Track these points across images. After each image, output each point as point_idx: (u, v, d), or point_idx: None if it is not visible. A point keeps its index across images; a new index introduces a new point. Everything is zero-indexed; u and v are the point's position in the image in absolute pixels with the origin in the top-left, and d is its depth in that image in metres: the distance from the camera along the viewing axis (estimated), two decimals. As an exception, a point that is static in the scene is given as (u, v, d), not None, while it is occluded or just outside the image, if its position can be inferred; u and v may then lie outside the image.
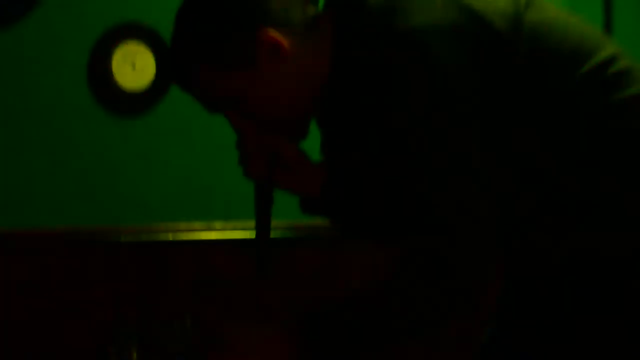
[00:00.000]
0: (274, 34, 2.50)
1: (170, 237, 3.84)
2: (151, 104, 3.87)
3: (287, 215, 2.88)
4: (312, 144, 2.71)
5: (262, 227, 2.77)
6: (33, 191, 3.73)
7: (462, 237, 2.42)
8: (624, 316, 2.49)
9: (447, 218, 2.43)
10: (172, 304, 3.55)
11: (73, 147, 3.80)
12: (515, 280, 2.66)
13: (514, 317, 2.70)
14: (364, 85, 2.50)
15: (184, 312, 3.25)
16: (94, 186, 3.81)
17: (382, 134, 2.50)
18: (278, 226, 2.89)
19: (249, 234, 2.90)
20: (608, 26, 3.91)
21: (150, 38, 3.85)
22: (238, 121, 2.63)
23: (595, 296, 2.50)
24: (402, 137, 2.45)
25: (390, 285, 2.49)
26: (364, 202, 2.72)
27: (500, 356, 2.72)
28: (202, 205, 3.88)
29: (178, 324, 3.20)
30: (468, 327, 2.75)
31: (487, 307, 2.64)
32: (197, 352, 3.08)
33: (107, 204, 3.82)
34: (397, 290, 2.49)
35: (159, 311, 3.39)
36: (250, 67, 2.51)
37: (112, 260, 3.76)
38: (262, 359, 2.58)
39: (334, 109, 2.62)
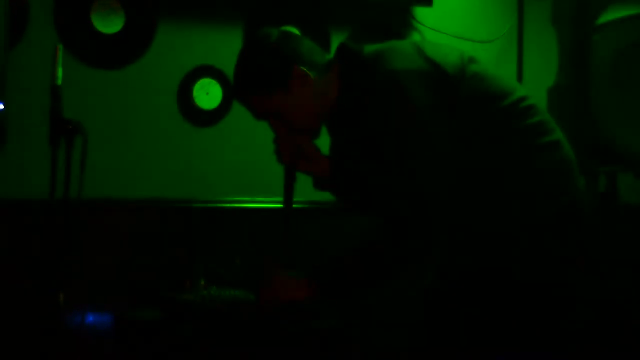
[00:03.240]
0: (303, 70, 2.61)
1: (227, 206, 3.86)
2: (218, 118, 3.89)
3: (305, 192, 2.94)
4: (323, 142, 2.80)
5: (288, 196, 2.84)
6: (141, 174, 3.76)
7: (421, 213, 2.48)
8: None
9: (412, 196, 2.48)
10: (227, 250, 3.55)
11: (168, 146, 3.82)
12: (452, 238, 2.65)
13: (450, 266, 2.71)
14: (358, 107, 2.58)
15: (236, 256, 3.27)
16: (180, 172, 3.82)
17: (369, 137, 2.58)
18: (299, 200, 2.92)
19: (279, 204, 2.91)
20: (520, 76, 3.99)
21: (218, 75, 3.88)
22: (277, 126, 2.71)
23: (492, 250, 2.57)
24: (382, 140, 2.53)
25: (371, 244, 2.55)
26: (356, 184, 2.75)
27: (440, 294, 2.71)
28: (249, 185, 3.89)
29: (231, 263, 3.24)
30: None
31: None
32: (243, 283, 3.12)
33: (188, 184, 3.84)
34: (374, 248, 2.55)
35: (219, 255, 3.39)
36: (286, 91, 2.61)
37: (187, 220, 3.77)
38: (290, 293, 2.67)
39: (339, 121, 2.70)
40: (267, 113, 2.68)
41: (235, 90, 2.75)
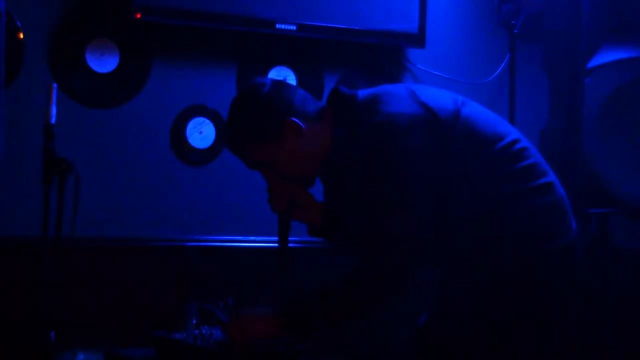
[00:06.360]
0: (295, 121, 2.60)
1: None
2: (212, 157, 3.89)
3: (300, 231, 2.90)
4: (316, 190, 2.78)
5: (283, 244, 2.82)
6: (134, 213, 3.75)
7: (395, 252, 2.49)
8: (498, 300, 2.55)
9: (387, 238, 2.48)
10: (220, 289, 3.54)
11: (161, 185, 3.82)
12: (441, 281, 2.69)
13: (443, 304, 2.70)
14: (352, 151, 2.58)
15: (228, 296, 3.26)
16: (173, 210, 3.82)
17: (360, 178, 2.56)
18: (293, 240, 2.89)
19: (273, 246, 2.91)
20: (511, 118, 4.00)
21: (212, 115, 3.88)
22: (269, 175, 2.70)
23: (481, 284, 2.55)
24: (371, 179, 2.52)
25: (342, 282, 2.55)
26: (349, 231, 2.73)
27: (430, 334, 2.72)
28: (242, 224, 3.89)
29: (224, 303, 3.23)
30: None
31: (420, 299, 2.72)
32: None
33: (181, 222, 3.83)
34: (345, 286, 2.55)
35: (211, 293, 3.37)
36: (280, 141, 2.60)
37: (180, 258, 3.74)
38: (258, 330, 2.65)
39: (332, 169, 2.68)
40: (260, 163, 2.67)
41: (227, 142, 2.74)
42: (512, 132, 2.64)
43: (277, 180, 2.71)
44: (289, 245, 2.83)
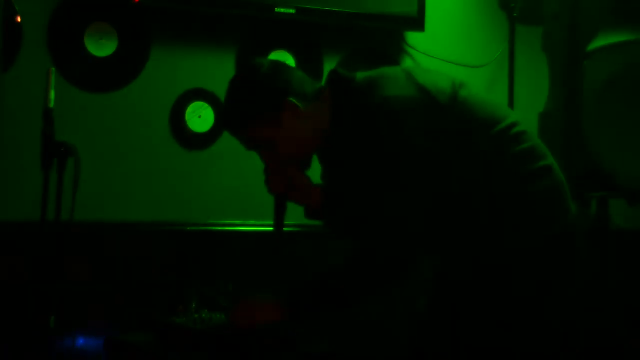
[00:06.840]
0: (293, 101, 2.61)
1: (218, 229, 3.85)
2: (211, 142, 3.88)
3: (296, 219, 2.93)
4: (315, 173, 2.79)
5: (279, 226, 2.84)
6: (133, 197, 3.74)
7: (395, 237, 2.51)
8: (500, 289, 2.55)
9: (385, 220, 2.51)
10: (219, 274, 3.54)
11: (160, 169, 3.81)
12: (445, 265, 2.68)
13: (444, 289, 2.70)
14: (350, 134, 2.58)
15: (228, 279, 3.26)
16: (172, 195, 3.81)
17: (359, 163, 2.58)
18: (290, 225, 2.91)
19: (270, 230, 2.91)
20: (511, 101, 4.00)
21: (211, 99, 3.87)
22: (266, 156, 2.70)
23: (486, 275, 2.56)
24: (371, 165, 2.53)
25: (343, 269, 2.58)
26: (346, 214, 2.72)
27: (430, 318, 2.71)
28: (241, 208, 3.88)
29: (224, 287, 3.23)
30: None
31: (423, 283, 2.71)
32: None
33: (180, 207, 3.82)
34: (347, 273, 2.57)
35: (211, 278, 3.37)
36: (277, 123, 2.60)
37: (180, 243, 3.75)
38: (263, 315, 2.67)
39: (330, 149, 2.69)
40: (258, 144, 2.67)
41: (225, 122, 2.75)
42: (510, 115, 2.64)
43: (275, 161, 2.71)
44: (285, 228, 2.84)
